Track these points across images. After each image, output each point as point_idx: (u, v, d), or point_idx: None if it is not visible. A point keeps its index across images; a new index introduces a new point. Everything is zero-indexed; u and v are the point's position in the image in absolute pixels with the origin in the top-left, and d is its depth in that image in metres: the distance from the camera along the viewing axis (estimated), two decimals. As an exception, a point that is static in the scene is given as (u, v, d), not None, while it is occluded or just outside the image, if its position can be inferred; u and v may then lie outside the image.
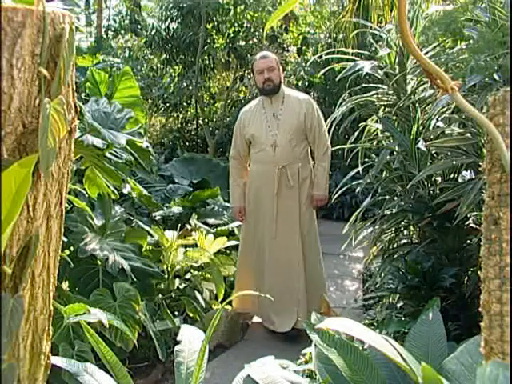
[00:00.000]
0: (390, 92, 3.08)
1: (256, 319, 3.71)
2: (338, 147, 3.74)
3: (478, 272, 1.19)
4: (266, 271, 3.48)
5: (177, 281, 3.41)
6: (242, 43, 7.25)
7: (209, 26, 7.16)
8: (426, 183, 2.91)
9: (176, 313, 3.30)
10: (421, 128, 2.84)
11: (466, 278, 2.75)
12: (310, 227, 3.47)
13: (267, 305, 3.43)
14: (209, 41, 7.23)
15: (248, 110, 3.51)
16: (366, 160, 3.26)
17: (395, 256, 3.01)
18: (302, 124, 3.32)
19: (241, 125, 3.48)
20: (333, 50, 5.01)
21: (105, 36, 8.49)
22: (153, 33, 7.36)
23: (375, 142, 3.32)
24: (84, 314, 1.89)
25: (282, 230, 3.39)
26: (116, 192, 2.93)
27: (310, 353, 2.43)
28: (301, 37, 7.76)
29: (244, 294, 3.46)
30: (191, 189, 5.09)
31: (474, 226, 2.75)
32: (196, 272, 3.53)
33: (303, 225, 3.41)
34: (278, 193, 3.32)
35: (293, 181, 3.33)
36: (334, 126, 3.13)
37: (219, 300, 3.43)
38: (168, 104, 7.57)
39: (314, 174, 3.43)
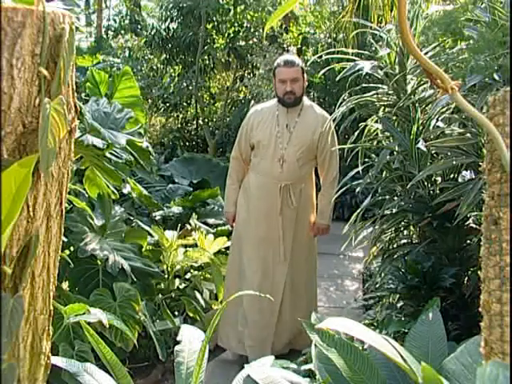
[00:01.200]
0: (390, 92, 3.07)
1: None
2: (338, 147, 3.74)
3: (478, 272, 1.19)
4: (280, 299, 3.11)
5: (177, 281, 3.42)
6: (242, 43, 7.25)
7: (209, 26, 7.17)
8: (426, 183, 2.91)
9: (176, 313, 3.30)
10: (421, 128, 2.84)
11: (466, 278, 2.75)
12: (309, 253, 3.21)
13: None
14: (209, 41, 7.23)
15: (260, 111, 3.14)
16: (366, 160, 3.26)
17: (395, 256, 3.01)
18: (314, 143, 3.04)
19: (249, 125, 3.12)
20: (333, 50, 5.01)
21: (105, 36, 8.49)
22: (153, 33, 7.36)
23: (375, 142, 3.32)
24: (84, 314, 1.89)
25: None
26: (116, 192, 2.93)
27: (310, 353, 2.43)
28: (301, 37, 7.76)
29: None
30: (191, 189, 5.09)
31: (474, 226, 2.75)
32: (196, 272, 3.53)
33: (298, 249, 3.12)
34: (281, 212, 3.03)
35: (295, 201, 3.04)
36: (334, 126, 3.12)
37: (219, 300, 3.43)
38: (168, 104, 7.57)
39: (319, 200, 3.18)
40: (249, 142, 3.12)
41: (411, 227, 3.14)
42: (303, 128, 3.02)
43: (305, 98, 3.10)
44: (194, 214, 4.21)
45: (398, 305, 2.95)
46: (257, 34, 7.24)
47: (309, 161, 3.08)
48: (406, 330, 2.42)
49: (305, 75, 3.04)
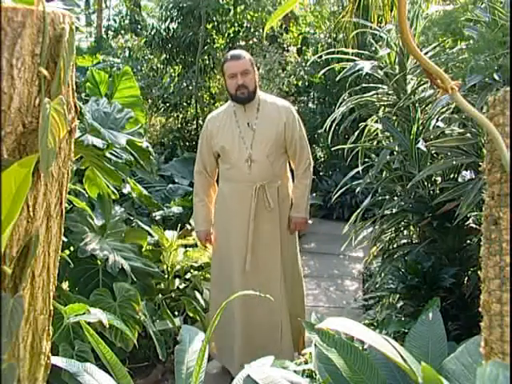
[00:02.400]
0: (390, 92, 3.08)
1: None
2: (338, 147, 3.74)
3: (478, 272, 1.19)
4: (236, 312, 2.87)
5: (177, 281, 3.42)
6: (242, 43, 7.24)
7: (209, 26, 7.16)
8: (426, 183, 2.91)
9: (176, 313, 3.30)
10: (421, 128, 2.84)
11: (466, 278, 2.75)
12: (294, 255, 2.99)
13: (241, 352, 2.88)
14: (209, 41, 7.23)
15: (216, 117, 2.91)
16: (366, 160, 3.26)
17: (395, 256, 3.01)
18: (281, 135, 2.82)
19: (207, 135, 2.89)
20: (333, 50, 5.01)
21: (105, 36, 8.49)
22: (153, 33, 7.35)
23: (375, 142, 3.32)
24: (84, 314, 1.89)
25: (261, 261, 2.84)
26: (116, 192, 2.93)
27: (310, 353, 2.43)
28: (301, 37, 7.76)
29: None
30: (191, 189, 5.09)
31: (474, 226, 2.75)
32: (196, 272, 3.53)
33: (286, 253, 2.91)
34: (255, 217, 2.79)
35: (273, 202, 2.81)
36: (334, 126, 3.12)
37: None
38: (168, 104, 7.57)
39: (292, 192, 2.95)
40: (212, 151, 2.89)
41: (411, 227, 3.15)
42: (266, 123, 2.81)
43: (260, 93, 2.89)
44: (194, 214, 4.21)
45: (398, 305, 2.95)
46: (257, 34, 7.24)
47: (280, 156, 2.87)
48: (406, 330, 2.42)
49: (255, 69, 2.82)
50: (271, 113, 2.84)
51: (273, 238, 2.86)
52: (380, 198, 3.16)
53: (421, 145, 2.71)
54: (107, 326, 2.24)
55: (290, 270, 2.95)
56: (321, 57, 4.37)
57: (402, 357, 1.40)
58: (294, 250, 3.00)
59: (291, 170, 3.01)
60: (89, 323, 1.78)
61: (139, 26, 8.28)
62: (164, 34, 7.31)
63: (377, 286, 3.41)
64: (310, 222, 3.12)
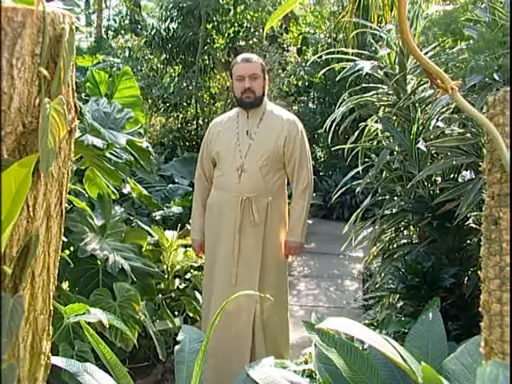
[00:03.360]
0: (390, 92, 3.08)
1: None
2: (338, 147, 3.74)
3: (478, 272, 1.19)
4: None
5: (177, 281, 3.42)
6: (242, 43, 7.24)
7: (209, 26, 7.16)
8: (426, 183, 2.91)
9: (176, 313, 3.30)
10: (421, 128, 2.84)
11: (466, 278, 2.75)
12: (278, 279, 2.75)
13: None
14: (209, 41, 7.23)
15: (220, 122, 2.81)
16: (366, 160, 3.26)
17: (395, 256, 3.02)
18: (279, 149, 2.65)
19: (208, 139, 2.79)
20: (333, 49, 5.01)
21: (105, 36, 8.49)
22: (153, 33, 7.35)
23: (375, 142, 3.32)
24: (84, 314, 1.89)
25: (241, 276, 2.66)
26: (116, 192, 2.93)
27: (310, 353, 2.43)
28: (301, 37, 7.76)
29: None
30: (191, 189, 5.09)
31: (474, 226, 2.75)
32: (196, 272, 3.53)
33: (268, 276, 2.68)
34: (239, 229, 2.64)
35: (258, 217, 2.63)
36: (334, 126, 3.12)
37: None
38: (168, 104, 7.57)
39: (289, 215, 2.78)
40: (210, 156, 2.78)
41: (411, 227, 3.15)
42: (265, 133, 2.66)
43: (267, 102, 2.76)
44: (193, 213, 4.21)
45: (398, 305, 2.95)
46: (257, 33, 7.24)
47: (276, 171, 2.69)
48: (406, 330, 2.42)
49: (266, 75, 2.69)
50: (274, 124, 2.69)
51: (254, 254, 2.67)
52: (380, 198, 3.17)
53: (421, 145, 2.72)
54: (107, 326, 2.24)
55: (271, 294, 2.61)
56: (321, 57, 4.37)
57: (402, 357, 1.40)
58: (282, 276, 2.77)
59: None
60: (89, 323, 1.78)
61: (139, 26, 8.28)
62: (164, 33, 7.31)
63: (377, 286, 3.41)
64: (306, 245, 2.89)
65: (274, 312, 2.75)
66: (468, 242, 2.81)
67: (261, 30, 7.15)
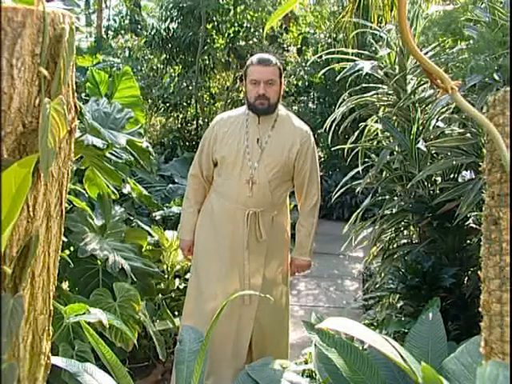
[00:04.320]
0: (390, 92, 3.08)
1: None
2: (338, 147, 3.74)
3: (478, 272, 1.19)
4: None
5: (177, 281, 3.41)
6: (242, 43, 7.25)
7: (209, 26, 7.16)
8: (426, 183, 2.91)
9: (176, 313, 3.30)
10: (421, 128, 2.85)
11: (466, 278, 2.75)
12: (279, 296, 2.58)
13: None
14: (209, 41, 7.23)
15: (226, 120, 2.57)
16: (366, 160, 3.26)
17: (395, 256, 3.02)
18: (291, 162, 2.49)
19: (212, 137, 2.55)
20: (333, 49, 5.01)
21: (105, 36, 8.49)
22: (153, 33, 7.36)
23: (375, 142, 3.32)
24: (84, 314, 1.89)
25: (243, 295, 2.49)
26: (116, 192, 2.93)
27: (310, 353, 2.43)
28: (301, 37, 7.76)
29: None
30: (191, 189, 5.08)
31: (474, 225, 2.75)
32: (196, 272, 3.53)
33: (266, 292, 2.39)
34: (247, 246, 2.48)
35: (265, 233, 2.48)
36: (334, 126, 3.12)
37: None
38: (168, 104, 7.57)
39: (297, 231, 2.63)
40: (211, 157, 2.56)
41: (411, 227, 3.15)
42: (277, 143, 2.48)
43: (281, 108, 2.56)
44: (193, 213, 4.21)
45: (398, 305, 2.95)
46: (257, 33, 7.24)
47: (283, 183, 2.53)
48: (406, 330, 2.42)
49: (282, 79, 2.50)
50: (286, 134, 2.50)
51: (257, 272, 2.53)
52: (380, 198, 3.17)
53: (421, 145, 2.72)
54: (107, 326, 2.24)
55: (271, 313, 2.58)
56: (321, 57, 4.37)
57: (402, 357, 1.40)
58: (278, 290, 2.61)
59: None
60: (89, 323, 1.78)
61: (139, 26, 8.28)
62: (164, 34, 7.31)
63: (377, 286, 3.41)
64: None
65: (272, 326, 2.62)
66: (468, 242, 2.82)
67: (261, 30, 7.15)
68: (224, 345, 2.52)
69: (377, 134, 3.28)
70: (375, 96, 3.14)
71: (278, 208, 2.55)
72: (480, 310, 1.18)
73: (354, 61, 3.08)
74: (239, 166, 2.47)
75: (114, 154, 2.68)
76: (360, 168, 3.18)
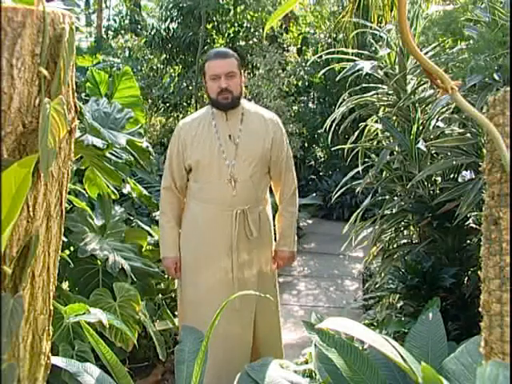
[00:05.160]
0: (390, 92, 3.08)
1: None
2: (338, 147, 3.74)
3: (478, 272, 1.19)
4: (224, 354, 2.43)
5: (177, 281, 3.41)
6: (242, 43, 7.25)
7: (209, 26, 7.17)
8: (426, 183, 2.91)
9: (176, 313, 3.30)
10: (421, 128, 2.85)
11: (466, 278, 2.75)
12: (272, 293, 2.49)
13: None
14: (209, 41, 7.24)
15: (191, 123, 2.47)
16: (366, 160, 3.26)
17: (395, 256, 3.02)
18: (267, 153, 2.43)
19: (180, 144, 2.44)
20: (333, 49, 5.01)
21: (105, 36, 8.49)
22: (153, 33, 7.36)
23: (375, 142, 3.32)
24: (84, 314, 1.89)
25: (240, 298, 2.33)
26: (116, 192, 2.93)
27: (310, 353, 2.43)
28: (301, 37, 7.77)
29: None
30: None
31: (474, 225, 2.76)
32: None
33: (263, 289, 2.42)
34: (237, 247, 2.40)
35: (255, 230, 2.41)
36: (334, 126, 3.12)
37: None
38: (168, 104, 7.58)
39: (277, 222, 2.58)
40: (183, 164, 2.45)
41: (411, 227, 3.15)
42: (250, 136, 2.42)
43: (244, 101, 2.50)
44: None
45: (398, 305, 2.95)
46: (257, 33, 7.24)
47: (263, 176, 2.47)
48: (406, 330, 2.42)
49: (242, 71, 2.44)
50: (257, 125, 2.45)
51: (252, 271, 2.46)
52: (380, 198, 3.17)
53: (421, 145, 2.72)
54: (107, 326, 2.24)
55: (266, 313, 2.53)
56: (321, 57, 4.37)
57: (402, 357, 1.40)
58: (273, 288, 2.57)
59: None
60: (89, 323, 1.78)
61: (139, 26, 8.29)
62: (164, 34, 7.32)
63: (377, 286, 3.41)
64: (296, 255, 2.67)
65: (271, 336, 2.58)
66: (468, 242, 2.82)
67: (261, 30, 7.16)
68: (228, 348, 2.45)
69: (377, 133, 3.28)
70: (375, 96, 3.14)
71: (263, 203, 2.50)
72: (480, 309, 1.18)
73: (354, 61, 3.08)
74: (216, 166, 2.39)
75: (114, 154, 2.68)
76: (360, 168, 3.18)
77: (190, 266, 2.49)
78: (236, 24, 7.26)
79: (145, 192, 3.34)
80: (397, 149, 2.98)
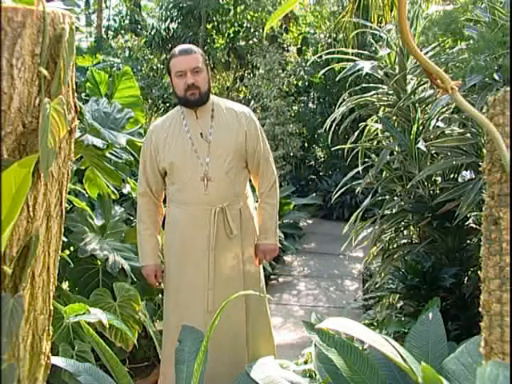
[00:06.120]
0: (390, 92, 3.08)
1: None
2: (338, 147, 3.74)
3: (478, 272, 1.19)
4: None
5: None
6: (242, 43, 7.26)
7: (209, 26, 7.17)
8: (426, 183, 2.91)
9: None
10: (421, 128, 2.85)
11: (466, 278, 2.75)
12: (258, 290, 2.43)
13: None
14: (209, 41, 7.24)
15: (161, 125, 2.42)
16: (366, 160, 3.26)
17: (395, 256, 3.02)
18: (242, 147, 2.38)
19: (152, 148, 2.39)
20: (333, 49, 5.01)
21: (105, 36, 8.49)
22: (153, 33, 7.37)
23: (375, 142, 3.32)
24: (84, 314, 1.89)
25: (222, 298, 2.12)
26: (116, 192, 2.93)
27: (310, 353, 2.43)
28: (301, 37, 7.77)
29: None
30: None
31: (474, 225, 2.76)
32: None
33: (249, 287, 2.38)
34: (214, 246, 2.34)
35: (235, 227, 2.36)
36: (334, 126, 3.12)
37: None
38: (168, 104, 7.58)
39: (258, 215, 2.51)
40: (157, 168, 2.40)
41: (411, 227, 3.15)
42: (223, 132, 2.37)
43: (214, 97, 2.44)
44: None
45: (398, 305, 2.95)
46: (257, 33, 7.25)
47: (241, 171, 2.42)
48: (406, 330, 2.42)
49: (208, 67, 2.39)
50: (229, 120, 2.39)
51: (235, 270, 2.41)
52: (380, 198, 3.17)
53: (421, 145, 2.72)
54: (107, 326, 2.24)
55: (254, 309, 2.48)
56: (321, 57, 4.37)
57: (401, 357, 1.40)
58: (259, 285, 2.52)
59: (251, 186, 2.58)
60: (89, 323, 1.78)
61: (139, 26, 8.29)
62: (164, 34, 7.32)
63: (377, 286, 3.41)
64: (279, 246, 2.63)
65: (258, 328, 2.52)
66: (468, 241, 2.82)
67: (261, 30, 7.16)
68: (220, 350, 2.39)
69: (377, 133, 3.28)
70: (375, 96, 3.14)
71: (243, 199, 2.44)
72: (480, 309, 1.18)
73: (354, 61, 3.08)
74: (190, 166, 2.34)
75: (114, 154, 2.68)
76: (360, 168, 3.18)
77: (174, 270, 2.44)
78: (236, 24, 7.26)
79: (145, 192, 3.33)
80: (397, 149, 2.98)
